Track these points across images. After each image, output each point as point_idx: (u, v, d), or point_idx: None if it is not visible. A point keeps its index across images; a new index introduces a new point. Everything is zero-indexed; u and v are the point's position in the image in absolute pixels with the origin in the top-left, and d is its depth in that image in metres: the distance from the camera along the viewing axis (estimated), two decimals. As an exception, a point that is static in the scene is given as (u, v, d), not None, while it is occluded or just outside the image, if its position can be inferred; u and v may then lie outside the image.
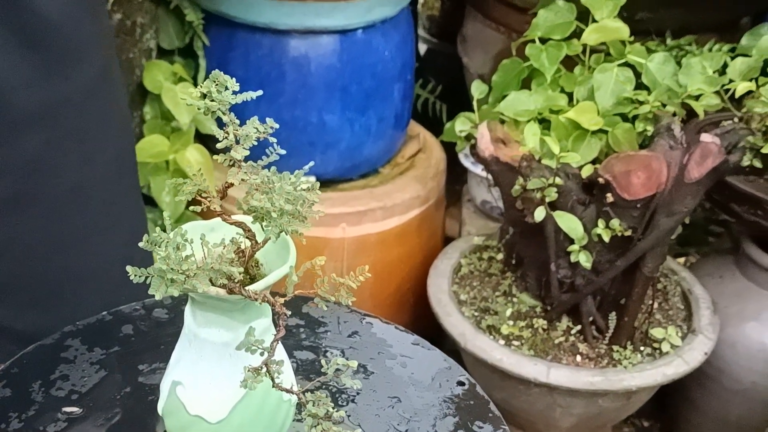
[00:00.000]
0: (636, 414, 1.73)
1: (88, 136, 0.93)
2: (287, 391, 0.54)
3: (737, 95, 1.29)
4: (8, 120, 0.83)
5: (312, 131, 1.51)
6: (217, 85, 0.51)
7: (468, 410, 0.70)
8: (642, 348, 1.41)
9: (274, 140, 0.54)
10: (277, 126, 0.53)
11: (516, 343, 1.41)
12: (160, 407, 0.61)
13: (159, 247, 0.50)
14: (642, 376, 1.36)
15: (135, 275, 0.51)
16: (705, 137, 1.24)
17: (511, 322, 1.43)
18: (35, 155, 0.87)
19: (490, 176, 1.44)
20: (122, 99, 1.03)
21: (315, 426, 0.54)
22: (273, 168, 0.54)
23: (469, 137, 1.47)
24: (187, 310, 0.58)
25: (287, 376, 0.59)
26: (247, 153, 0.51)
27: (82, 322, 0.74)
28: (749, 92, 1.36)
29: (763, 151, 1.19)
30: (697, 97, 1.39)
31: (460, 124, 1.47)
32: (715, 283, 1.56)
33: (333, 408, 0.54)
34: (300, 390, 0.54)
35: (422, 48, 2.41)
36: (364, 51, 1.49)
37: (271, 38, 1.44)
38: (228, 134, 0.51)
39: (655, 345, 1.41)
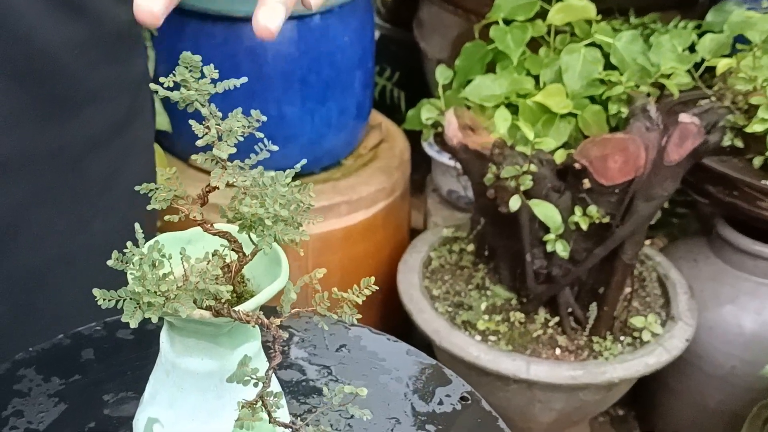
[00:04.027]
0: (610, 402, 1.69)
1: (85, 198, 0.78)
2: (286, 426, 0.47)
3: (718, 72, 1.25)
4: None
5: (270, 124, 1.40)
6: (191, 70, 0.43)
7: (476, 429, 0.64)
8: (622, 338, 1.37)
9: (262, 135, 0.46)
10: (264, 119, 0.46)
11: (493, 338, 1.35)
12: (134, 448, 0.53)
13: (132, 265, 0.42)
14: (624, 367, 1.31)
15: (103, 299, 0.43)
16: (684, 117, 1.20)
17: (486, 317, 1.37)
18: (11, 213, 0.72)
19: (458, 165, 1.38)
20: (145, 160, 0.87)
21: (321, 465, 0.47)
22: (260, 168, 0.46)
23: (435, 125, 1.40)
24: (163, 336, 0.50)
25: (282, 409, 0.52)
26: (233, 150, 0.43)
27: (36, 348, 0.65)
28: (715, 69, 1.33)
29: (747, 130, 1.14)
30: (668, 76, 1.35)
31: (426, 112, 1.41)
32: (689, 266, 1.53)
33: (340, 442, 0.47)
34: (301, 425, 0.47)
35: (375, 34, 2.33)
36: (322, 38, 1.41)
37: (224, 27, 1.35)
38: (209, 129, 0.43)
39: (635, 334, 1.36)
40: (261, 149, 0.44)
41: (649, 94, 1.31)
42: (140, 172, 0.86)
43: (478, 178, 1.31)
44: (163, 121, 1.42)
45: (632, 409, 1.76)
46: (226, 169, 0.43)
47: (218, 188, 0.43)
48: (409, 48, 1.97)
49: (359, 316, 0.48)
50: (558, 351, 1.35)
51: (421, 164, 1.87)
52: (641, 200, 1.24)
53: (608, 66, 1.41)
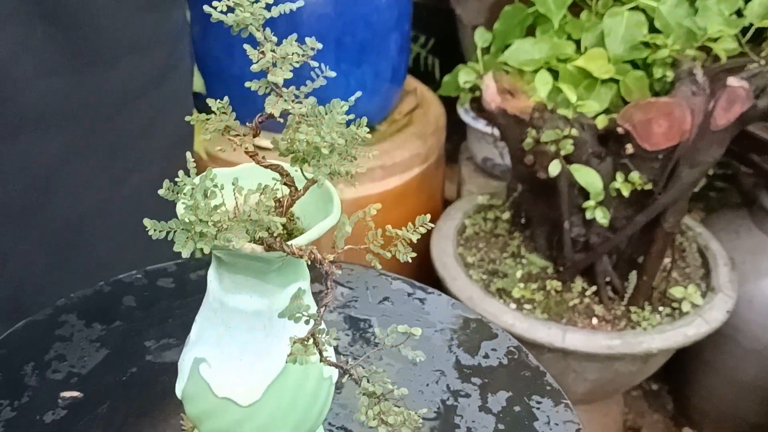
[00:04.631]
0: (644, 376, 1.66)
1: (122, 151, 0.76)
2: (337, 366, 0.45)
3: (769, 34, 1.21)
4: (12, 112, 0.65)
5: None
6: (245, -7, 0.42)
7: (523, 383, 0.62)
8: (660, 308, 1.34)
9: (316, 64, 0.44)
10: (320, 46, 0.44)
11: (528, 306, 1.33)
12: (179, 389, 0.51)
13: (184, 194, 0.41)
14: (662, 337, 1.29)
15: (154, 230, 0.41)
16: (732, 81, 1.16)
17: (522, 285, 1.35)
18: (48, 164, 0.70)
19: (496, 131, 1.35)
20: (182, 114, 0.86)
21: (372, 407, 0.45)
22: (312, 98, 0.45)
23: (473, 89, 1.38)
24: (211, 273, 0.49)
25: (332, 349, 0.51)
26: (290, 76, 0.41)
27: (77, 294, 0.64)
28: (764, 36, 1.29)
29: (798, 94, 1.11)
30: (715, 40, 1.31)
31: (464, 76, 1.38)
32: (730, 238, 1.50)
33: (393, 384, 0.45)
34: (352, 364, 0.45)
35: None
36: (359, -2, 1.39)
37: (259, -15, 1.33)
38: (264, 54, 0.41)
39: (674, 305, 1.34)
40: (317, 75, 0.42)
41: (695, 59, 1.27)
42: (177, 125, 0.85)
43: (517, 143, 1.29)
44: (197, 83, 1.40)
45: (666, 384, 1.73)
46: (281, 96, 0.41)
47: (273, 116, 0.42)
48: (444, 15, 1.93)
49: (414, 254, 0.46)
50: (594, 320, 1.32)
51: (453, 133, 1.84)
52: (685, 166, 1.21)
53: (652, 30, 1.37)
